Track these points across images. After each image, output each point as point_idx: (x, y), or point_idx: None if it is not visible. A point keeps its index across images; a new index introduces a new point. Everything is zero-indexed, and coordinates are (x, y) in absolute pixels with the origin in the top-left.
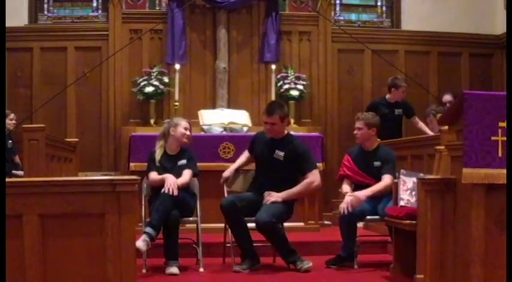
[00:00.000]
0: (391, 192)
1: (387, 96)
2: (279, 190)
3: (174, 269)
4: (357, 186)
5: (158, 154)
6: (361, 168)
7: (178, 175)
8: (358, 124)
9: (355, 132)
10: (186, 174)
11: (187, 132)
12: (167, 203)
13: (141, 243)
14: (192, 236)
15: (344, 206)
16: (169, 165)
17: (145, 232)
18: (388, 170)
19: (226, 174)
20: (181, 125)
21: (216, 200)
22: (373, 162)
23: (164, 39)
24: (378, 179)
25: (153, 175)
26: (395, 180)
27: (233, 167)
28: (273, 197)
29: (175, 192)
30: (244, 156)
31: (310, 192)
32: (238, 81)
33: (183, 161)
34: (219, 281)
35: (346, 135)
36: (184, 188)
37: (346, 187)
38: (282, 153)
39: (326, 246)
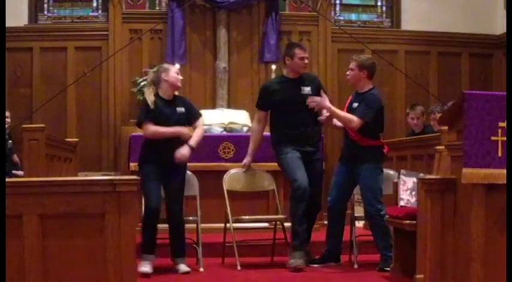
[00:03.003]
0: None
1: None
2: (314, 135)
3: (146, 268)
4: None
5: (152, 100)
6: (348, 110)
7: (178, 123)
8: (350, 65)
9: (347, 72)
10: (199, 130)
11: (180, 76)
12: (153, 219)
13: (146, 267)
14: (192, 236)
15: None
16: (168, 111)
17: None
18: (359, 111)
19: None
20: (173, 70)
21: (216, 200)
22: (354, 103)
23: (164, 39)
24: None
25: (151, 126)
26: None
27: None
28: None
29: (187, 159)
30: (256, 134)
31: (345, 125)
32: (238, 81)
33: (182, 109)
34: (219, 281)
35: None
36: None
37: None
38: (308, 88)
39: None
